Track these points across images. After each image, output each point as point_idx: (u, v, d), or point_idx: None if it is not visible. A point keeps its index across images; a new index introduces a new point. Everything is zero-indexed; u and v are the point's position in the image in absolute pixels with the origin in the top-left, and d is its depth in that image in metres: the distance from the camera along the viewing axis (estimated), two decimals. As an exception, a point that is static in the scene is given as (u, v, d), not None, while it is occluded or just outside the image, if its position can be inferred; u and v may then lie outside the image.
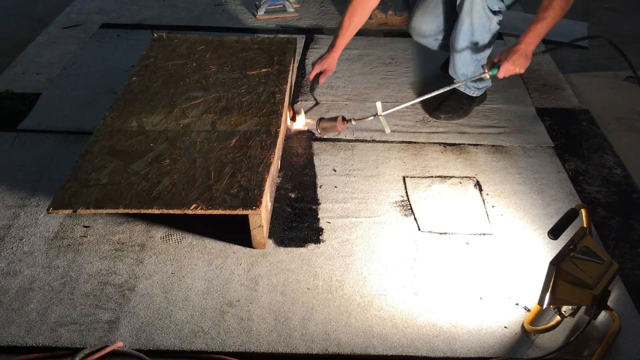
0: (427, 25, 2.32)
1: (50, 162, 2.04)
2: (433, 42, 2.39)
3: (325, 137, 2.21)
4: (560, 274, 1.36)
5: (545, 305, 1.42)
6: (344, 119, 2.11)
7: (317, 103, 2.42)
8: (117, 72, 2.54)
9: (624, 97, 2.55)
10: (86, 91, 2.45)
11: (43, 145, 2.12)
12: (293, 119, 2.28)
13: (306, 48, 2.85)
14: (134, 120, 1.98)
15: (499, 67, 1.98)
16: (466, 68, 2.24)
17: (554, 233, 1.36)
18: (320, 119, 2.18)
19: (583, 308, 1.43)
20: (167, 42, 2.47)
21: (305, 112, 2.33)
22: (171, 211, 1.63)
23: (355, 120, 2.12)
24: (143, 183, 1.71)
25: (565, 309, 1.46)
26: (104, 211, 1.65)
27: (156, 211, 1.63)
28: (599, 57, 2.90)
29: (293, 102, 2.44)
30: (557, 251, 1.42)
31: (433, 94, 2.10)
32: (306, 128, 2.27)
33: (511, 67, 1.95)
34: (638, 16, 3.38)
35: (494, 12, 2.11)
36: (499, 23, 2.15)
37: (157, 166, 1.78)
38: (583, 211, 1.46)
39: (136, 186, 1.70)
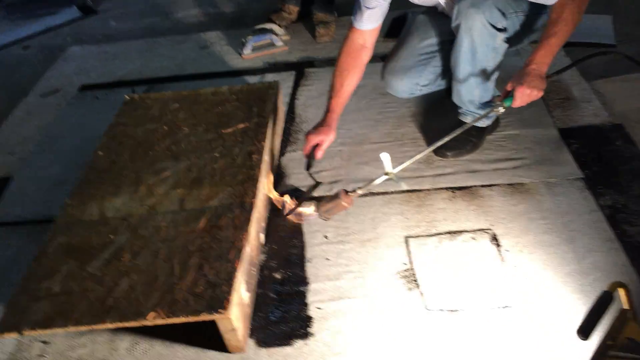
0: (398, 81, 2.05)
1: (14, 261, 1.85)
2: (409, 95, 2.13)
3: (331, 218, 1.80)
4: (599, 384, 1.05)
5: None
6: (346, 192, 1.69)
7: (317, 184, 1.89)
8: (93, 142, 2.33)
9: (664, 103, 2.18)
10: (58, 169, 2.25)
11: (8, 241, 1.93)
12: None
13: (296, 86, 2.59)
14: (95, 206, 1.76)
15: (512, 96, 1.67)
16: (472, 94, 1.94)
17: (584, 332, 1.06)
18: (320, 202, 1.77)
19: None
20: (139, 103, 2.26)
21: (302, 198, 1.86)
22: (127, 324, 1.40)
23: (360, 189, 1.70)
24: (98, 289, 1.48)
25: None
26: (51, 331, 1.43)
27: (110, 326, 1.40)
28: (629, 55, 2.52)
29: (281, 154, 2.18)
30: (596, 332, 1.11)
31: (445, 139, 1.71)
32: (310, 217, 1.84)
33: (527, 92, 1.63)
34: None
35: (498, 30, 1.79)
36: (506, 41, 1.84)
37: (116, 264, 1.55)
38: (620, 291, 1.15)
39: (90, 294, 1.47)
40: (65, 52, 3.20)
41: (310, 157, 1.87)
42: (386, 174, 1.65)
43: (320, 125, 1.86)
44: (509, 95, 1.68)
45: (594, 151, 1.98)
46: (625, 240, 1.63)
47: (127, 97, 2.30)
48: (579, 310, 1.44)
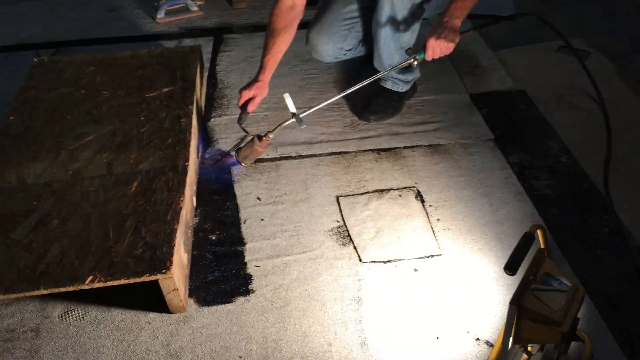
0: (324, 45, 2.09)
1: None
2: (334, 60, 2.18)
3: (252, 164, 1.92)
4: (523, 313, 1.18)
5: (509, 347, 1.24)
6: (259, 137, 1.84)
7: (246, 134, 2.02)
8: (-2, 107, 2.18)
9: (560, 71, 2.40)
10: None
11: None
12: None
13: (215, 52, 2.56)
14: (13, 173, 1.66)
15: (425, 49, 1.71)
16: (392, 58, 2.01)
17: (511, 268, 1.17)
18: (237, 150, 1.90)
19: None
20: (49, 66, 2.13)
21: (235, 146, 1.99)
22: (63, 289, 1.35)
23: (270, 133, 1.83)
24: (27, 256, 1.42)
25: (532, 345, 1.29)
26: (-22, 301, 1.35)
27: (44, 292, 1.35)
28: (528, 27, 2.73)
29: (206, 119, 2.15)
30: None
31: (356, 86, 1.80)
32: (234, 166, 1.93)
33: (438, 43, 1.66)
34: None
35: None
36: (423, 6, 1.93)
37: (43, 231, 1.48)
38: (539, 232, 1.28)
39: (18, 261, 1.40)
40: (-45, 12, 2.92)
41: (242, 111, 1.91)
42: (293, 114, 1.77)
43: (254, 81, 1.88)
44: (421, 48, 1.72)
45: (502, 114, 2.15)
46: (533, 192, 1.80)
47: (35, 59, 2.16)
48: (498, 255, 1.59)
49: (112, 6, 2.96)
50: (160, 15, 2.79)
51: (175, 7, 2.83)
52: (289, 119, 1.80)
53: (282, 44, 1.87)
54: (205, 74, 2.38)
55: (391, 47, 1.98)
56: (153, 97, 1.95)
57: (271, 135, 1.83)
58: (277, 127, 1.83)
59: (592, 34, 2.58)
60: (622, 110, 2.14)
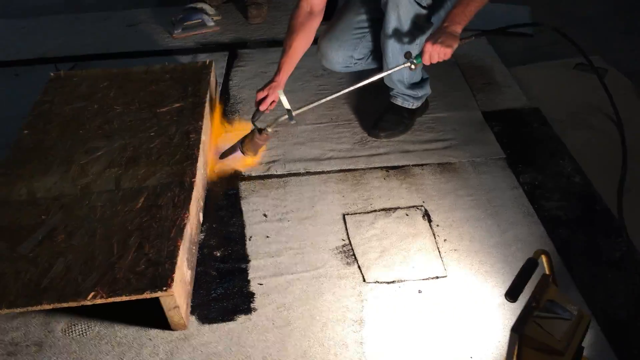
0: (334, 52, 2.09)
1: None
2: (344, 68, 2.19)
3: (255, 154, 1.95)
4: (525, 341, 1.15)
5: (511, 375, 1.21)
6: (259, 131, 1.86)
7: (255, 128, 1.98)
8: (15, 121, 2.21)
9: (575, 88, 2.36)
10: (-24, 150, 2.12)
11: None
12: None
13: (229, 67, 2.58)
14: (23, 187, 1.69)
15: (422, 53, 1.68)
16: (400, 73, 2.01)
17: (512, 295, 1.15)
18: (241, 142, 1.92)
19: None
20: (65, 81, 2.17)
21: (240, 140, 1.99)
22: (65, 304, 1.37)
23: (269, 127, 1.86)
24: (32, 270, 1.44)
25: (535, 373, 1.26)
26: (-18, 315, 1.37)
27: (47, 307, 1.37)
28: (544, 43, 2.70)
29: (219, 134, 2.17)
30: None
31: (353, 87, 1.81)
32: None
33: (435, 48, 1.64)
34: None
35: (423, 7, 1.87)
36: (431, 20, 1.92)
37: (49, 245, 1.50)
38: (543, 258, 1.25)
39: (23, 275, 1.42)
40: (-21, 27, 3.00)
41: (257, 110, 1.93)
42: (287, 110, 1.81)
43: (270, 82, 1.90)
44: (419, 54, 1.70)
45: (515, 132, 2.12)
46: (543, 213, 1.77)
47: (52, 74, 2.20)
48: (504, 278, 1.56)
49: (131, 21, 3.01)
50: (177, 31, 2.83)
51: (192, 22, 2.87)
52: (285, 115, 1.83)
53: (300, 47, 1.90)
54: (219, 89, 2.40)
55: (400, 61, 1.96)
56: (164, 113, 1.97)
57: (270, 130, 1.86)
58: (274, 121, 1.86)
59: (610, 51, 2.53)
60: (639, 130, 2.09)
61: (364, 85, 1.80)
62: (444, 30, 1.67)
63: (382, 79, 2.11)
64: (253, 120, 1.94)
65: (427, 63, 1.69)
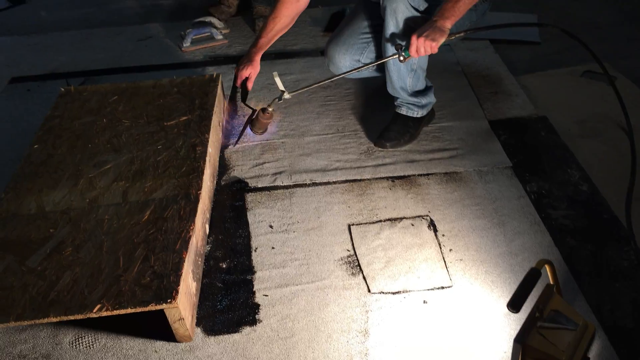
0: (341, 56, 2.11)
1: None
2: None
3: (264, 132, 2.12)
4: (528, 352, 1.14)
5: (516, 387, 1.20)
6: (263, 110, 1.99)
7: (254, 110, 2.07)
8: (27, 136, 2.25)
9: (583, 96, 2.35)
10: (-11, 164, 2.17)
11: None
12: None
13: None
14: (33, 201, 1.72)
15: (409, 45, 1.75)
16: (403, 80, 2.01)
17: (514, 305, 1.14)
18: (250, 123, 2.07)
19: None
20: (75, 96, 2.20)
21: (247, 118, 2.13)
22: (71, 317, 1.38)
23: (269, 106, 1.99)
24: (39, 283, 1.46)
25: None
26: (-9, 328, 1.39)
27: (54, 319, 1.38)
28: (551, 51, 2.70)
29: (223, 147, 2.18)
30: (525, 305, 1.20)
31: (351, 70, 2.02)
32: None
33: (421, 41, 1.70)
34: (592, 2, 3.18)
35: (420, 12, 1.87)
36: None
37: (57, 258, 1.52)
38: (547, 267, 1.25)
39: (31, 288, 1.44)
40: (-7, 43, 3.07)
41: (244, 91, 2.09)
42: (282, 91, 1.94)
43: (247, 61, 2.04)
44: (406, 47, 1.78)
45: (521, 141, 2.11)
46: (550, 222, 1.76)
47: (62, 89, 2.24)
48: (510, 288, 1.54)
49: (142, 36, 3.05)
50: (186, 44, 2.86)
51: (200, 35, 2.90)
52: (280, 95, 1.95)
53: (280, 30, 2.05)
54: (225, 102, 2.42)
55: (401, 69, 1.97)
56: (171, 126, 2.00)
57: (270, 109, 1.99)
58: (273, 101, 1.98)
59: (618, 58, 2.51)
60: (648, 137, 2.07)
61: (357, 70, 2.03)
62: (432, 24, 1.72)
63: (385, 83, 2.13)
64: (245, 102, 2.10)
65: (414, 55, 1.75)
